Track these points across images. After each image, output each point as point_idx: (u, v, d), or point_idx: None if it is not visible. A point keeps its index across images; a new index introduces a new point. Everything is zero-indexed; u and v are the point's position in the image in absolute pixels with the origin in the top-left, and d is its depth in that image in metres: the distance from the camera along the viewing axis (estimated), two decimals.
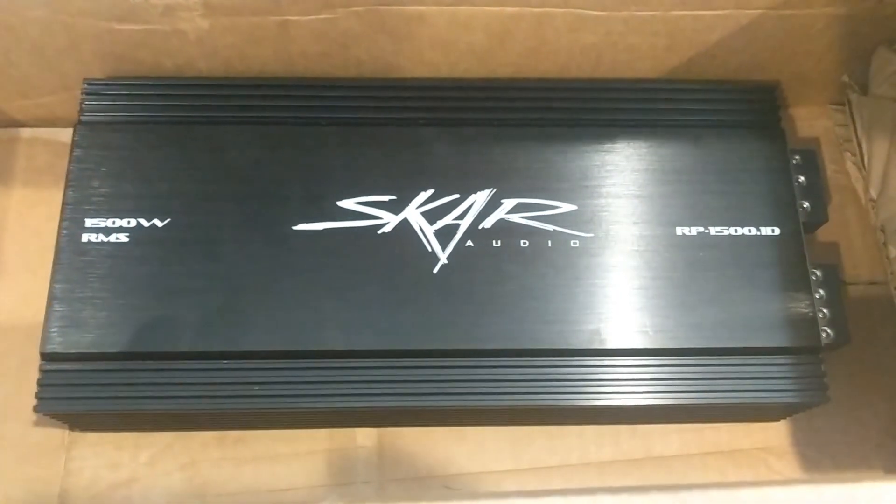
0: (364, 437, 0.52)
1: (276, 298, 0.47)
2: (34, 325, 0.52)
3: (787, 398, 0.48)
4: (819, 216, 0.52)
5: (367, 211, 0.49)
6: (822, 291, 0.50)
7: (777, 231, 0.50)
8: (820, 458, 0.53)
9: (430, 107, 0.52)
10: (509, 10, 0.50)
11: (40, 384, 0.46)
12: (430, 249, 0.49)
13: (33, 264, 0.54)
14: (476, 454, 0.52)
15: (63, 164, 0.50)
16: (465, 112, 0.52)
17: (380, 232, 0.49)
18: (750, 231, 0.50)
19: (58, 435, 0.51)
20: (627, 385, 0.48)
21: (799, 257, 0.50)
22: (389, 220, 0.49)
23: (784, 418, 0.53)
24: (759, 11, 0.51)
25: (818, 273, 0.50)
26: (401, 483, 0.51)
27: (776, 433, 0.53)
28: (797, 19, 0.51)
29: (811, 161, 0.53)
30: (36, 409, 0.45)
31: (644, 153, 0.52)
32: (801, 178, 0.52)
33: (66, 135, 0.57)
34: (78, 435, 0.51)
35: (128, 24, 0.49)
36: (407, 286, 0.48)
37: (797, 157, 0.53)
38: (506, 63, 0.54)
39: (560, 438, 0.53)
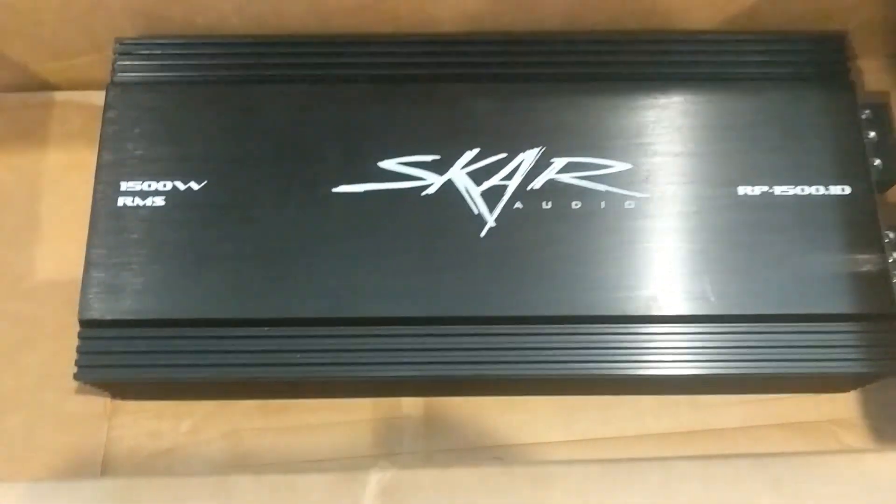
0: (410, 407, 0.50)
1: (317, 263, 0.45)
2: (71, 291, 0.51)
3: (858, 368, 0.45)
4: (892, 174, 0.49)
5: (410, 172, 0.47)
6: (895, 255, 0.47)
7: (847, 190, 0.47)
8: (893, 431, 0.49)
9: (474, 62, 0.49)
10: None
11: (79, 352, 0.45)
12: (476, 212, 0.46)
13: (68, 229, 0.52)
14: (526, 424, 0.50)
15: (97, 128, 0.49)
16: (512, 67, 0.49)
17: (423, 194, 0.47)
18: (818, 190, 0.47)
19: (99, 403, 0.50)
20: (687, 354, 0.45)
21: (871, 218, 0.47)
22: (433, 182, 0.47)
23: (854, 389, 0.50)
24: None
25: (891, 235, 0.47)
26: (448, 453, 0.50)
27: (845, 405, 0.50)
28: None
29: (882, 115, 0.50)
30: (75, 376, 0.44)
31: (703, 108, 0.48)
32: (872, 134, 0.49)
33: (99, 97, 0.54)
34: (119, 403, 0.50)
35: None
36: (453, 251, 0.46)
37: (867, 112, 0.49)
38: (553, 14, 0.51)
39: (615, 409, 0.50)
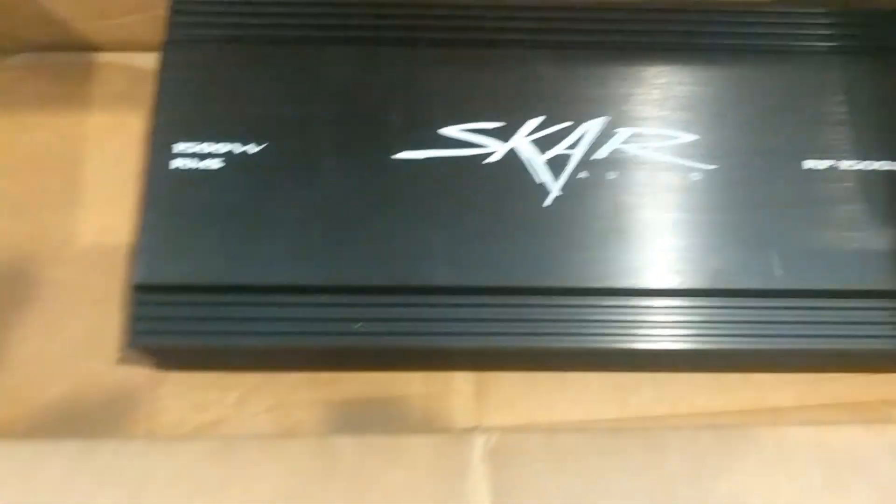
0: (462, 382, 0.49)
1: (377, 230, 0.44)
2: (114, 257, 0.50)
3: None
4: None
5: (473, 139, 0.46)
6: None
7: None
8: None
9: (538, 28, 0.48)
10: None
11: (134, 317, 0.43)
12: (540, 181, 0.45)
13: (113, 194, 0.51)
14: (579, 401, 0.49)
15: (141, 91, 0.48)
16: (576, 34, 0.48)
17: (486, 162, 0.46)
18: (884, 165, 0.47)
19: (143, 373, 0.48)
20: (749, 328, 0.44)
21: None
22: (497, 149, 0.46)
23: None
24: None
25: None
26: (500, 431, 0.49)
27: None
28: None
29: None
30: (131, 343, 0.43)
31: (767, 80, 0.48)
32: None
33: (143, 59, 0.54)
34: (163, 375, 0.49)
35: None
36: (516, 220, 0.45)
37: None
38: None
39: (668, 386, 0.49)
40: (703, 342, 0.44)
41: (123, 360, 0.48)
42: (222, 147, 0.45)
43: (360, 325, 0.44)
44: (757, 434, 0.26)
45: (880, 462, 0.25)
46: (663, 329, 0.44)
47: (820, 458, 0.25)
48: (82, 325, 0.49)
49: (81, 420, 0.48)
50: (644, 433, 0.27)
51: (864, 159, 0.47)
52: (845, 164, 0.47)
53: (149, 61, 0.48)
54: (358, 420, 0.49)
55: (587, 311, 0.44)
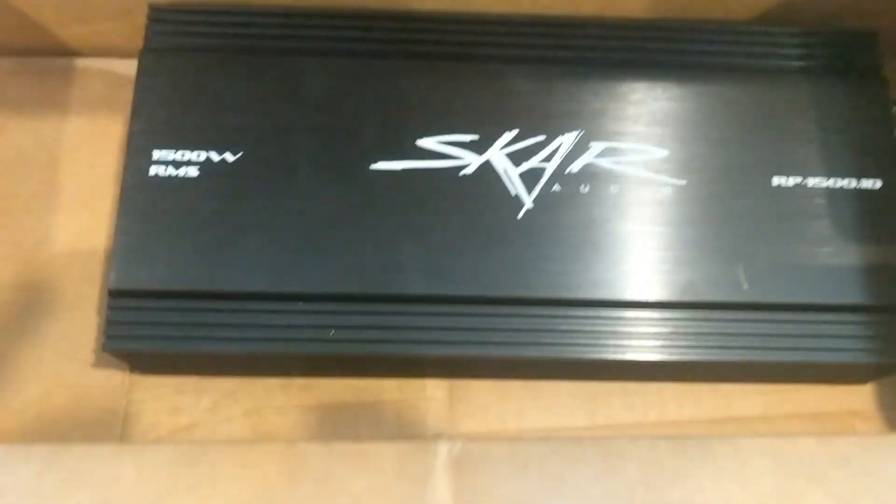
0: (434, 388, 0.50)
1: (352, 239, 0.45)
2: (90, 261, 0.50)
3: (881, 359, 0.46)
4: None
5: (449, 151, 0.47)
6: None
7: (878, 184, 0.48)
8: None
9: (514, 42, 0.49)
10: None
11: (107, 321, 0.43)
12: (514, 193, 0.46)
13: (88, 199, 0.51)
14: (550, 409, 0.50)
15: (119, 97, 0.48)
16: (551, 49, 0.49)
17: (461, 174, 0.46)
18: (850, 183, 0.48)
19: (117, 377, 0.49)
20: (716, 340, 0.45)
21: None
22: (472, 161, 0.46)
23: (872, 381, 0.51)
24: None
25: None
26: (471, 437, 0.49)
27: (864, 396, 0.51)
28: None
29: None
30: (103, 347, 0.43)
31: (739, 98, 0.49)
32: None
33: (121, 65, 0.54)
34: (137, 378, 0.49)
35: None
36: (489, 231, 0.45)
37: None
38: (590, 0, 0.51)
39: (639, 395, 0.50)
40: (672, 353, 0.45)
41: (98, 364, 0.49)
42: (200, 155, 0.45)
43: (333, 332, 0.44)
44: (714, 444, 0.27)
45: (833, 472, 0.26)
46: (633, 340, 0.45)
47: (774, 468, 0.26)
48: (58, 328, 0.49)
49: (55, 423, 0.48)
50: (605, 441, 0.28)
51: (832, 177, 0.48)
52: (812, 182, 0.48)
53: (128, 67, 0.48)
54: (332, 426, 0.49)
55: (558, 322, 0.45)
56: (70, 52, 0.54)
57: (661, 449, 0.27)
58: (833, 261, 0.46)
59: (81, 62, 0.55)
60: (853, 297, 0.46)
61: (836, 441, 0.27)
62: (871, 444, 0.27)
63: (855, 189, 0.48)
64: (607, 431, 0.50)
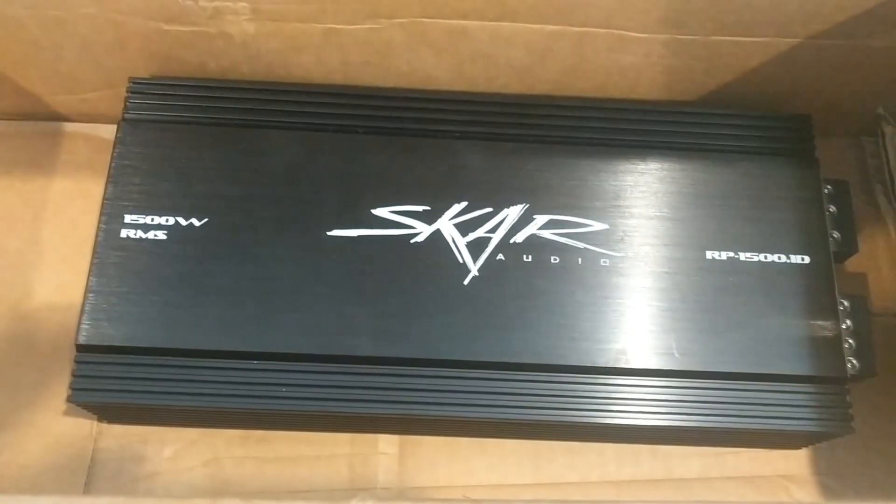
0: (386, 444, 0.52)
1: (308, 302, 0.48)
2: (67, 315, 0.53)
3: (811, 427, 0.48)
4: (849, 247, 0.52)
5: (401, 220, 0.50)
6: (849, 322, 0.50)
7: (807, 259, 0.50)
8: (842, 489, 0.52)
9: (467, 120, 0.52)
10: (551, 27, 0.50)
11: (74, 375, 0.46)
12: (461, 261, 0.49)
13: (69, 256, 0.55)
14: (497, 466, 0.52)
15: (103, 160, 0.51)
16: (502, 127, 0.53)
17: (413, 241, 0.49)
18: (780, 258, 0.50)
19: (86, 425, 0.52)
20: (651, 405, 0.48)
21: (828, 287, 0.50)
22: (422, 230, 0.50)
23: (806, 446, 0.53)
24: (799, 40, 0.51)
25: (846, 303, 0.50)
26: (421, 491, 0.52)
27: (798, 461, 0.53)
28: (837, 49, 0.52)
29: (843, 191, 0.53)
30: (69, 399, 0.46)
31: (677, 175, 0.52)
32: (833, 208, 0.52)
33: (107, 131, 0.58)
34: (105, 427, 0.52)
35: (176, 24, 0.50)
36: (437, 296, 0.48)
37: (829, 187, 0.53)
38: (544, 80, 0.55)
39: (581, 455, 0.53)
40: (610, 417, 0.48)
41: (69, 413, 0.52)
42: (168, 220, 0.49)
43: (285, 389, 0.47)
44: None
45: None
46: (573, 403, 0.48)
47: None
48: (32, 378, 0.52)
49: (26, 468, 0.51)
50: None
51: (763, 252, 0.51)
52: (745, 256, 0.50)
53: (112, 132, 0.52)
54: (287, 478, 0.52)
55: (501, 385, 0.48)
56: (59, 118, 0.58)
57: None
58: (763, 333, 0.49)
59: (69, 126, 0.59)
60: (783, 367, 0.49)
61: None
62: None
63: (785, 264, 0.50)
64: (551, 489, 0.52)
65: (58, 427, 0.52)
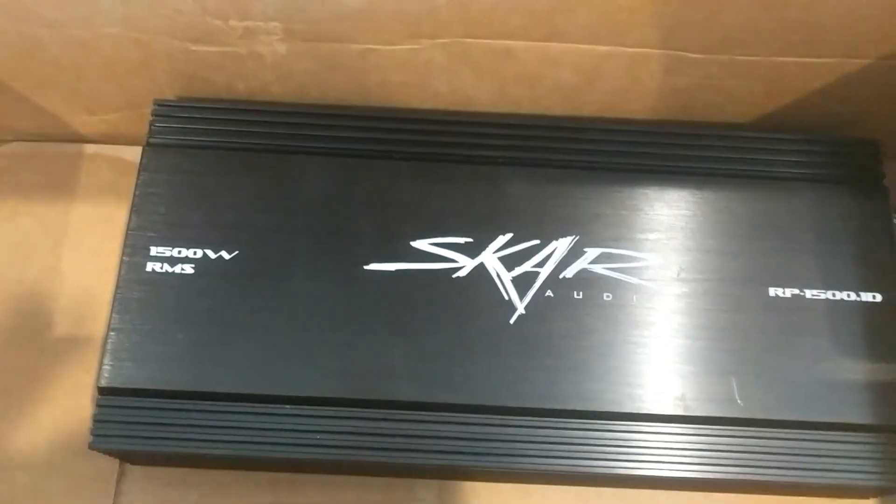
0: (424, 490, 0.49)
1: (344, 342, 0.45)
2: (89, 349, 0.51)
3: (881, 481, 0.45)
4: None
5: (442, 253, 0.47)
6: None
7: (879, 297, 0.47)
8: None
9: (511, 144, 0.49)
10: (602, 48, 0.47)
11: (95, 419, 0.44)
12: (506, 298, 0.46)
13: (91, 284, 0.52)
14: None
15: (126, 183, 0.49)
16: (548, 152, 0.49)
17: (454, 276, 0.46)
18: (849, 296, 0.47)
19: (108, 467, 0.49)
20: (710, 456, 0.44)
21: None
22: (465, 264, 0.47)
23: (875, 497, 0.50)
24: (869, 61, 0.48)
25: None
26: None
27: None
28: None
29: None
30: (90, 445, 0.43)
31: (736, 205, 0.49)
32: None
33: (129, 152, 0.55)
34: (128, 468, 0.49)
35: (203, 45, 0.47)
36: (481, 336, 0.45)
37: None
38: (591, 101, 0.51)
39: (631, 500, 0.49)
40: (663, 469, 0.44)
41: (90, 453, 0.49)
42: (196, 252, 0.46)
43: (319, 437, 0.44)
44: None
45: None
46: (626, 454, 0.44)
47: None
48: (52, 416, 0.50)
49: None
50: None
51: (830, 289, 0.47)
52: (810, 293, 0.47)
53: (135, 154, 0.49)
54: None
55: (549, 434, 0.44)
56: (79, 139, 0.56)
57: None
58: (831, 377, 0.45)
59: (91, 148, 0.56)
60: (852, 415, 0.45)
61: None
62: None
63: (854, 302, 0.47)
64: None
65: (78, 468, 0.49)
